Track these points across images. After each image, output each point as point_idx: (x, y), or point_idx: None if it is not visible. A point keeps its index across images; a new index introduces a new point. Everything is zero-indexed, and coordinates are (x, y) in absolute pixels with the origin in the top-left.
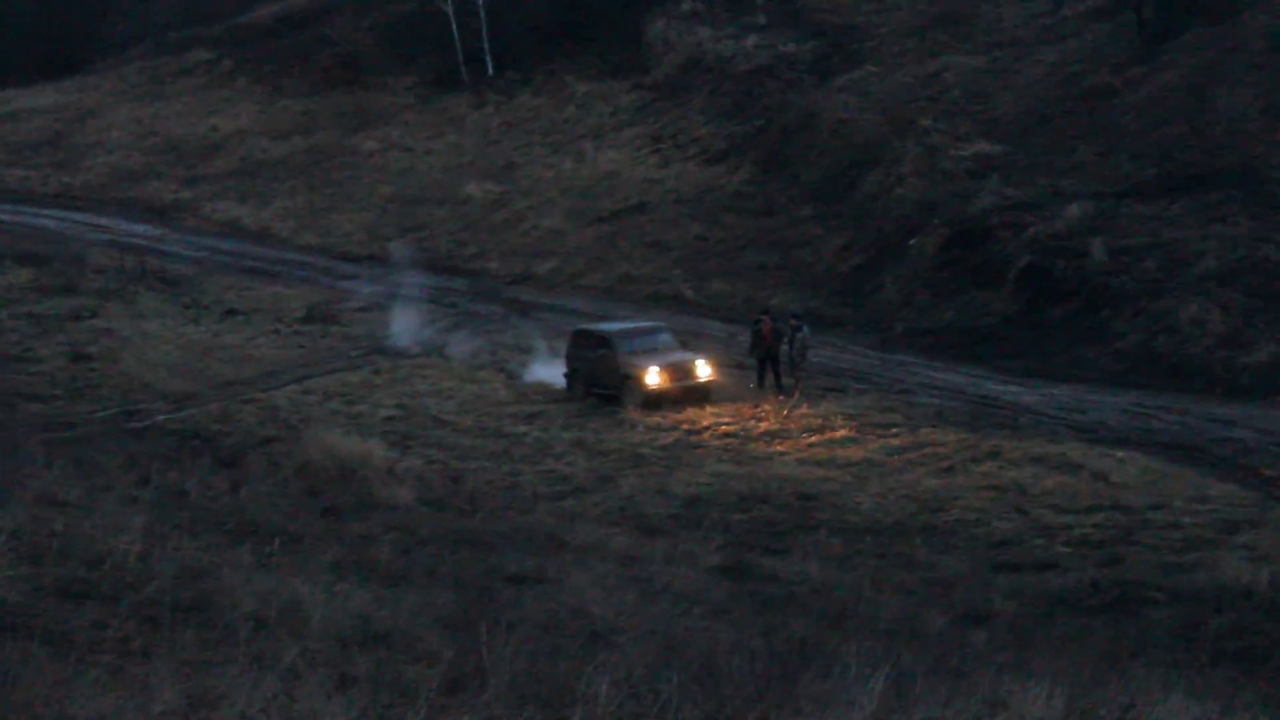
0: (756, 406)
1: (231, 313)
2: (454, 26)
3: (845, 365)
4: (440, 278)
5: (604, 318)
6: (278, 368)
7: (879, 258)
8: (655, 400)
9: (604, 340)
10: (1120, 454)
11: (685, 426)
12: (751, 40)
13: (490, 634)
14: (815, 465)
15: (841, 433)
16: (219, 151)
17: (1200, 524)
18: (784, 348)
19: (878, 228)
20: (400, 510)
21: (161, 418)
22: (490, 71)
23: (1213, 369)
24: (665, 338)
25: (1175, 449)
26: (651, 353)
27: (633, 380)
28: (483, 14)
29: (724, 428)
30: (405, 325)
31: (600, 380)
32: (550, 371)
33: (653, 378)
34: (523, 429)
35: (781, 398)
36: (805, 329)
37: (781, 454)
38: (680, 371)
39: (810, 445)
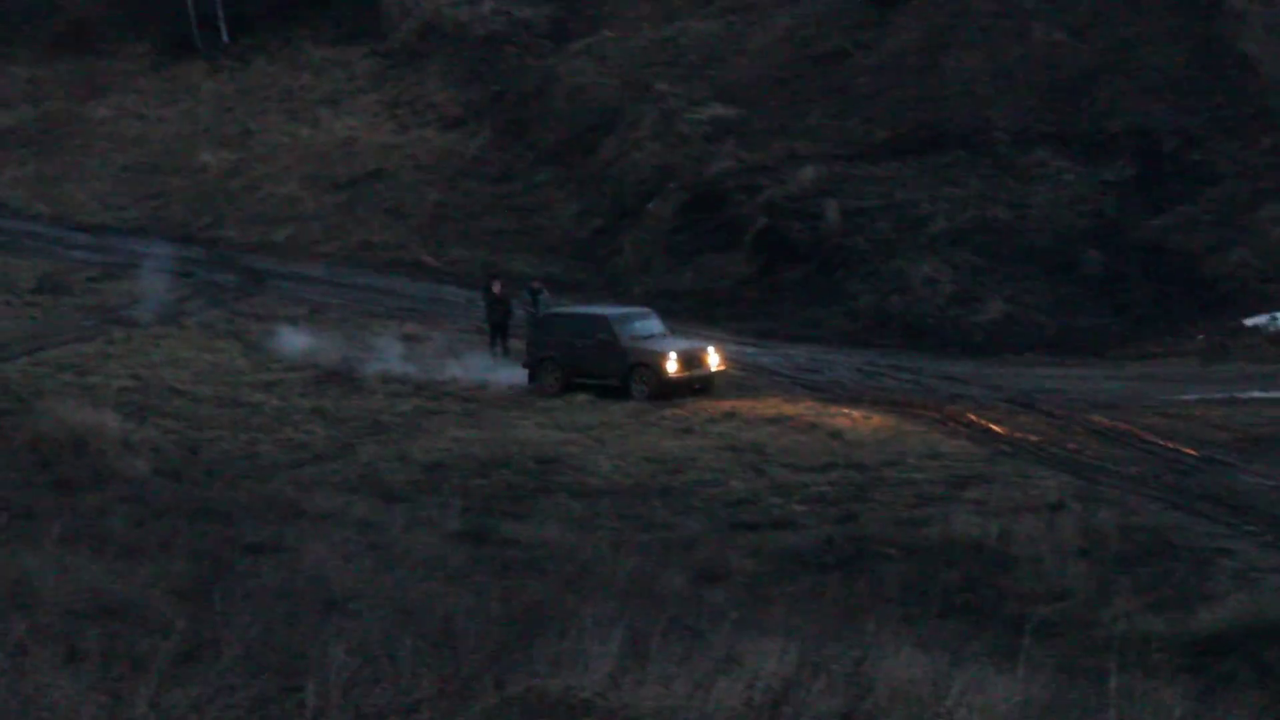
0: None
1: None
2: None
3: None
4: (177, 246)
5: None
6: (8, 340)
7: (617, 222)
8: (669, 389)
9: (599, 324)
10: (855, 412)
11: (426, 394)
12: (488, 5)
13: (225, 604)
14: (555, 429)
15: (581, 397)
16: None
17: (932, 480)
18: (519, 313)
19: (615, 192)
20: (135, 482)
21: None
22: (225, 38)
23: (944, 328)
24: (657, 323)
25: (908, 407)
26: (654, 337)
27: (646, 368)
28: None
29: (462, 394)
30: (141, 295)
31: (591, 370)
32: (303, 341)
33: (672, 364)
34: (260, 398)
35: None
36: (544, 293)
37: (521, 418)
38: (694, 360)
39: (549, 410)
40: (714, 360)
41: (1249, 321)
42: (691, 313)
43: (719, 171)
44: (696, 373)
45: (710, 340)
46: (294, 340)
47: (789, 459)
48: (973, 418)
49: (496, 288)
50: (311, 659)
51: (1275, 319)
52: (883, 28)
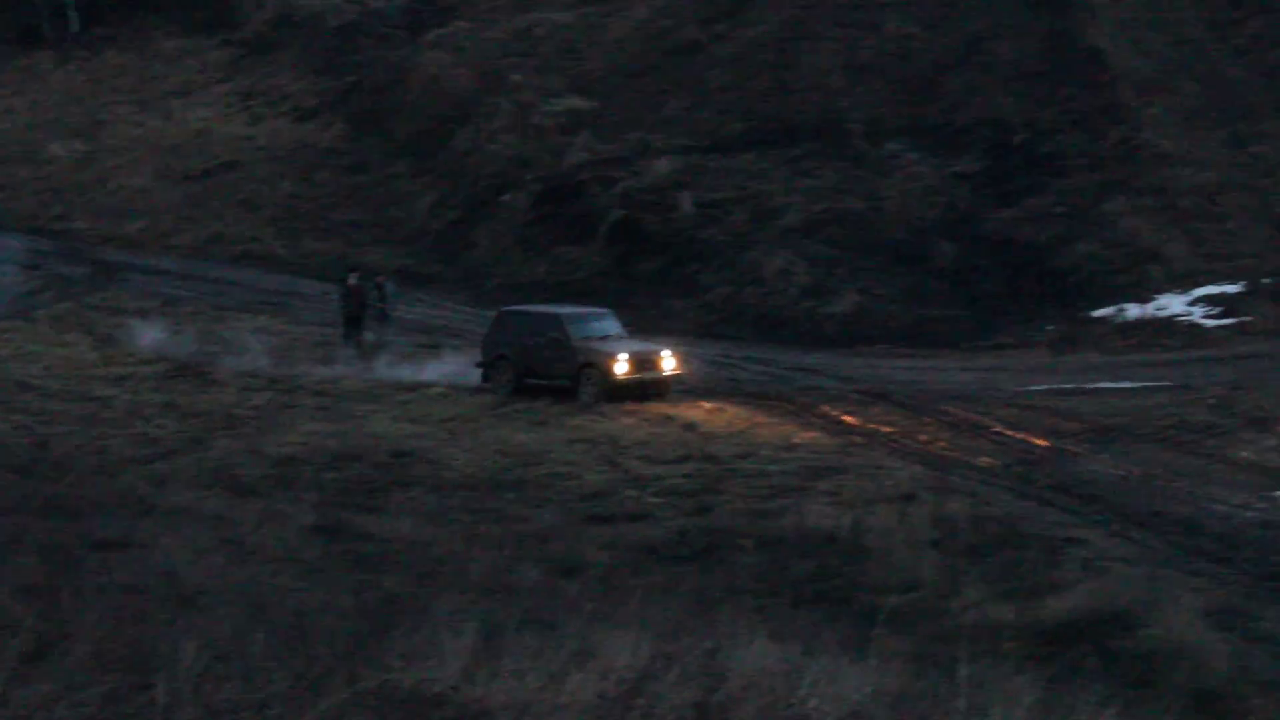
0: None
1: None
2: None
3: (440, 322)
4: (26, 238)
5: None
6: None
7: (472, 214)
8: (618, 392)
9: (551, 323)
10: (709, 404)
11: (279, 388)
12: None
13: (74, 601)
14: (409, 423)
15: (435, 389)
16: None
17: (786, 472)
18: (370, 306)
19: (471, 184)
20: None
21: None
22: (75, 28)
23: (798, 319)
24: (615, 324)
25: (762, 398)
26: (609, 339)
27: (595, 369)
28: None
29: (316, 387)
30: None
31: (541, 370)
32: (155, 334)
33: (621, 366)
34: (111, 392)
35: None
36: (391, 286)
37: (375, 412)
38: (647, 362)
39: (404, 403)
40: (669, 364)
41: (1097, 313)
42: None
43: (574, 163)
44: (648, 375)
45: (667, 343)
46: (146, 334)
47: (644, 451)
48: (826, 409)
49: (353, 279)
50: (162, 655)
51: (1122, 310)
52: (737, 20)
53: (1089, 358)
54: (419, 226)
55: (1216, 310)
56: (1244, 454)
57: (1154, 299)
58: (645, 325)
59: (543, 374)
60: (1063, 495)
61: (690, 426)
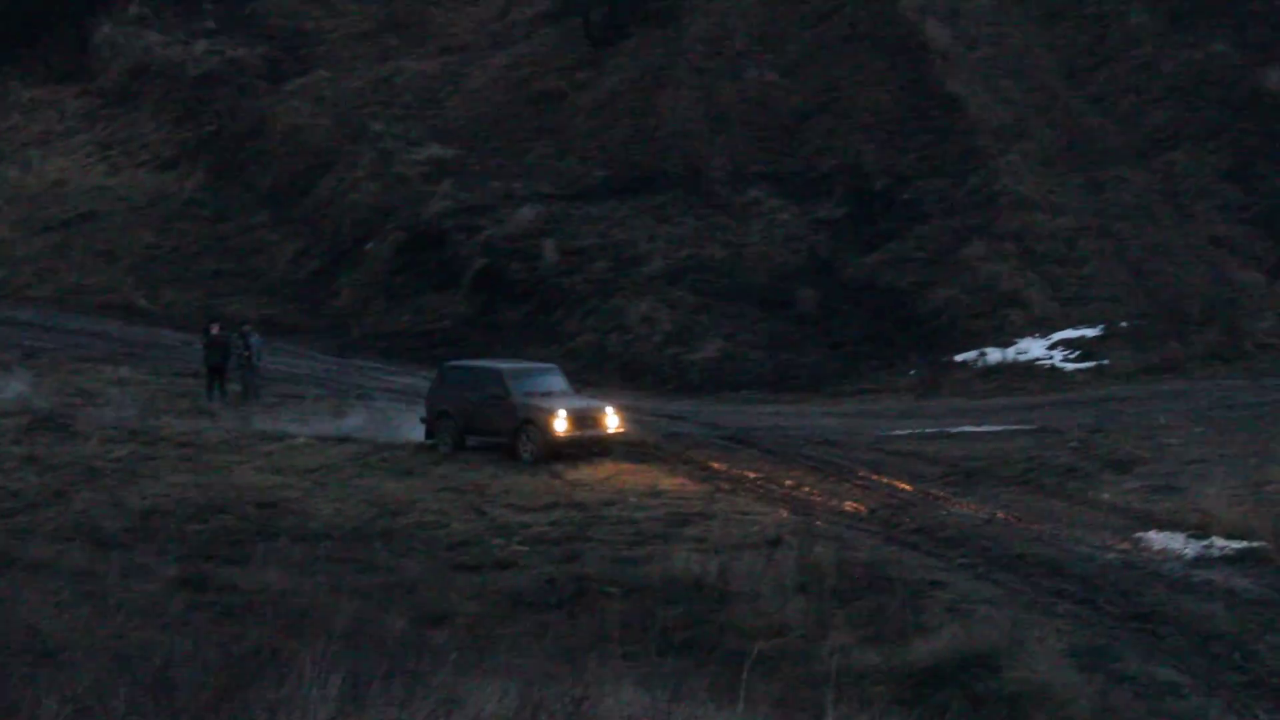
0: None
1: None
2: None
3: (303, 372)
4: None
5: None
6: None
7: (335, 263)
8: (558, 450)
9: (492, 378)
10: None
11: (142, 440)
12: (201, 45)
13: None
14: (274, 473)
15: (300, 440)
16: None
17: (653, 518)
18: (234, 356)
19: (333, 233)
20: None
21: None
22: None
23: (662, 366)
24: (560, 380)
25: (627, 446)
26: (552, 395)
27: (534, 426)
28: None
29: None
30: None
31: (482, 426)
32: (15, 386)
33: (561, 423)
34: None
35: (222, 407)
36: (255, 336)
37: (240, 462)
38: (588, 420)
39: (268, 454)
40: (612, 422)
41: (959, 357)
42: (411, 353)
43: (437, 211)
44: (590, 433)
45: (609, 400)
46: (6, 385)
47: (510, 499)
48: (692, 455)
49: (215, 330)
50: (24, 711)
51: (983, 355)
52: (598, 68)
53: (951, 401)
54: (281, 276)
55: (1075, 354)
56: (1105, 496)
57: (1014, 343)
58: None
59: (483, 430)
60: (927, 539)
61: (557, 474)
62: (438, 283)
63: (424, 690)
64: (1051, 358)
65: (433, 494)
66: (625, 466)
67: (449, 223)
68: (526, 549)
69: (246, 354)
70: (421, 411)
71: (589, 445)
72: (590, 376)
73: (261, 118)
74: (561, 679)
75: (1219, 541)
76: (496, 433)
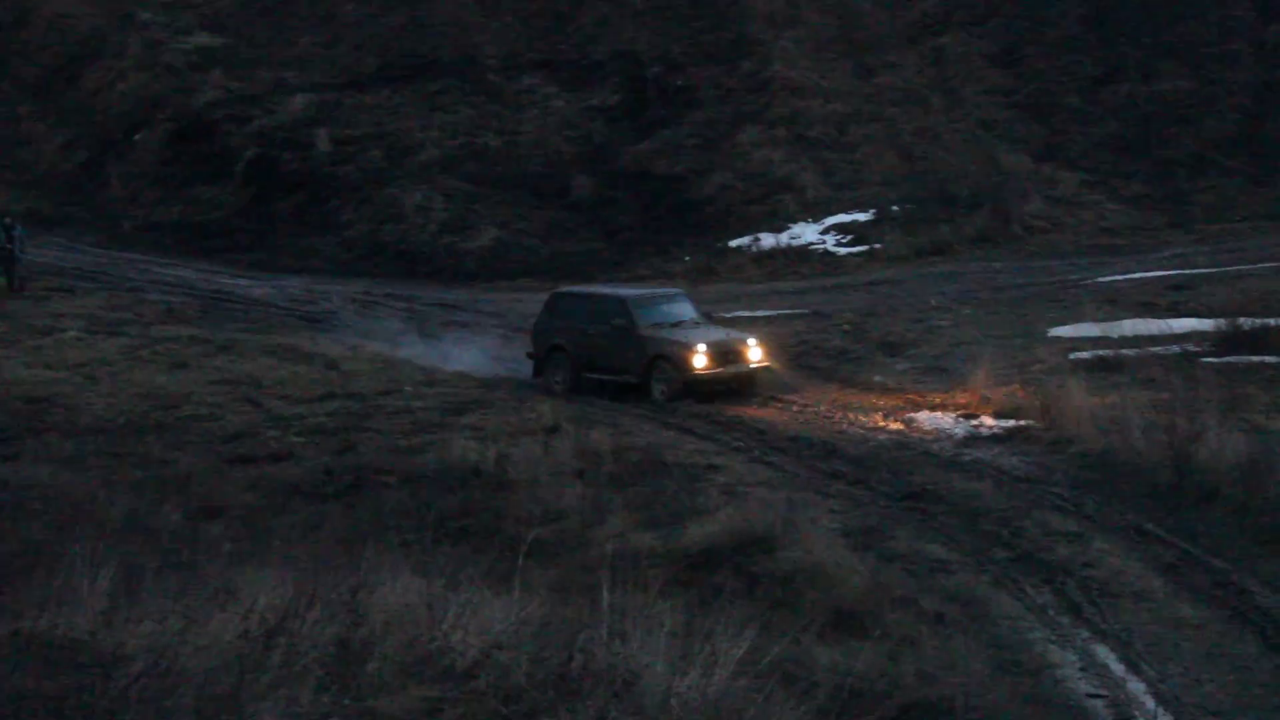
0: None
1: None
2: None
3: (72, 265)
4: None
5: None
6: None
7: (103, 155)
8: (697, 389)
9: (614, 307)
10: (351, 342)
11: None
12: None
13: None
14: (44, 368)
15: (71, 333)
16: None
17: (430, 408)
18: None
19: (101, 124)
20: None
21: None
22: None
23: (438, 255)
24: (689, 307)
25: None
26: (683, 325)
27: (668, 362)
28: None
29: None
30: None
31: (604, 363)
32: None
33: (700, 359)
34: None
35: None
36: (19, 228)
37: (7, 357)
38: (730, 354)
39: (38, 347)
40: (755, 354)
41: (733, 243)
42: (183, 245)
43: (207, 102)
44: (731, 369)
45: (745, 328)
46: None
47: (286, 391)
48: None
49: None
50: None
51: (758, 240)
52: None
53: (726, 287)
54: (48, 168)
55: (848, 238)
56: (877, 378)
57: (788, 228)
58: (285, 265)
59: (605, 368)
60: (703, 423)
61: (332, 364)
62: (209, 174)
63: (198, 582)
64: (824, 242)
65: (207, 386)
66: (402, 356)
67: (219, 113)
68: (303, 440)
69: (8, 246)
70: (527, 346)
71: (729, 382)
72: (365, 266)
73: (24, 7)
74: (338, 568)
75: (988, 421)
76: (622, 370)
